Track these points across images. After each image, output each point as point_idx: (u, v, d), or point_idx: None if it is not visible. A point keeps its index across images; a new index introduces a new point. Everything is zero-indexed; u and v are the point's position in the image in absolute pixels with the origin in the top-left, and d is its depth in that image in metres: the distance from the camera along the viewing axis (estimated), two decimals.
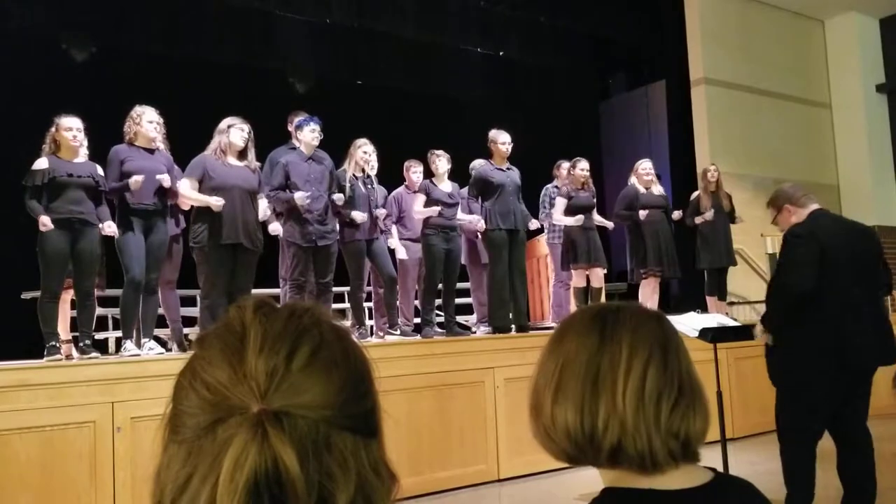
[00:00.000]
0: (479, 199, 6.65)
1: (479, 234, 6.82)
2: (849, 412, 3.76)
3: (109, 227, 5.02)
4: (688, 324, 4.23)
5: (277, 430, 0.60)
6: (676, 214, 7.60)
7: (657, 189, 7.56)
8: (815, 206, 3.84)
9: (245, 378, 0.62)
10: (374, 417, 0.68)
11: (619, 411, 0.98)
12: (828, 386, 3.65)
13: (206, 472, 0.60)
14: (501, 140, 6.65)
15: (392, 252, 6.66)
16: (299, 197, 5.60)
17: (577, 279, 7.12)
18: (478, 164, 6.95)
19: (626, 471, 1.01)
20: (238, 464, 0.58)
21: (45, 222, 4.74)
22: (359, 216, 5.97)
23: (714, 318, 4.49)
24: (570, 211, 7.05)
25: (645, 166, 7.48)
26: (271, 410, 0.61)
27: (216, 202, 5.12)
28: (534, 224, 7.07)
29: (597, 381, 1.00)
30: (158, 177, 5.10)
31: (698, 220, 7.60)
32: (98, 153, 5.18)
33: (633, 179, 7.50)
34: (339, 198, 5.90)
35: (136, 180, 4.96)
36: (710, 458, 1.09)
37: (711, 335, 4.15)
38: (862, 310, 3.65)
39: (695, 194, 7.88)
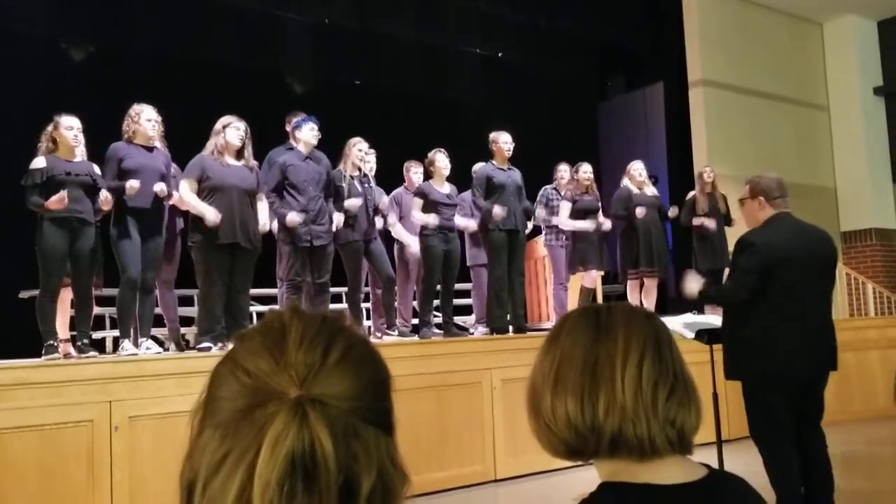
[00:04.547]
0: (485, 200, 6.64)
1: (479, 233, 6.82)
2: (804, 416, 3.83)
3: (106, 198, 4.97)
4: (684, 325, 4.25)
5: (316, 412, 0.66)
6: (673, 211, 7.61)
7: (650, 190, 7.59)
8: (781, 210, 3.88)
9: (286, 367, 0.69)
10: (391, 417, 0.75)
11: (618, 399, 1.02)
12: (778, 392, 3.73)
13: (244, 450, 0.65)
14: (503, 140, 6.66)
15: (390, 252, 6.67)
16: (290, 220, 5.60)
17: (586, 280, 7.14)
18: (478, 167, 6.97)
19: (625, 460, 1.03)
20: (279, 439, 0.64)
21: (56, 199, 4.69)
22: (353, 204, 5.96)
23: (710, 320, 4.51)
24: (574, 215, 7.10)
25: (637, 167, 7.51)
26: (309, 397, 0.67)
27: (211, 218, 5.10)
28: (540, 214, 7.10)
29: (595, 371, 1.04)
30: (155, 188, 5.09)
31: (696, 222, 7.61)
32: (96, 153, 5.18)
33: (625, 180, 7.52)
34: (337, 219, 5.90)
35: (132, 186, 4.95)
36: (706, 459, 1.11)
37: (708, 336, 4.17)
38: (809, 317, 3.72)
39: (690, 194, 7.89)
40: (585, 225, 7.04)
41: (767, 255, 3.69)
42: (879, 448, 6.70)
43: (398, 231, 6.82)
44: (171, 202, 5.41)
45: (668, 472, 1.03)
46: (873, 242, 10.66)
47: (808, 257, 3.74)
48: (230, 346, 0.76)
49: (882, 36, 11.12)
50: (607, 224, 7.27)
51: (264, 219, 5.51)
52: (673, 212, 7.60)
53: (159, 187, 5.12)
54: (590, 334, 1.07)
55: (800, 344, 3.68)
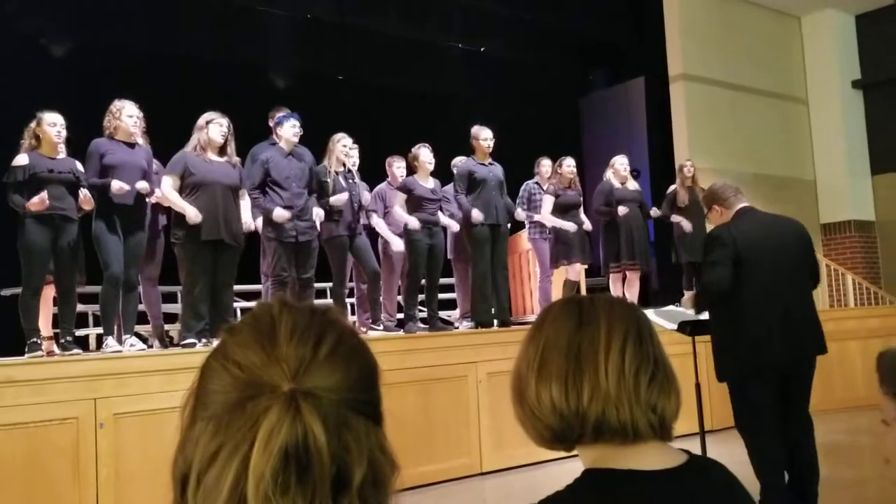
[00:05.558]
0: (466, 194, 6.65)
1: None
2: (790, 405, 3.85)
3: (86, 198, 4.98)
4: (667, 317, 4.29)
5: (308, 405, 0.67)
6: (654, 212, 7.70)
7: (632, 185, 7.67)
8: (742, 205, 3.93)
9: (277, 360, 0.70)
10: (380, 408, 0.76)
11: (602, 385, 1.04)
12: (761, 382, 3.75)
13: (238, 442, 0.66)
14: (483, 136, 6.68)
15: (374, 247, 6.66)
16: (277, 216, 5.59)
17: (569, 273, 7.19)
18: (460, 161, 6.98)
19: (609, 445, 1.06)
20: (273, 432, 0.65)
21: (38, 200, 4.68)
22: (339, 199, 5.95)
23: (692, 312, 4.55)
24: (557, 209, 7.14)
25: (622, 162, 7.58)
26: (301, 389, 0.68)
27: (192, 216, 5.09)
28: (520, 215, 7.12)
29: (579, 358, 1.07)
30: (138, 185, 5.07)
31: (674, 219, 7.69)
32: (77, 149, 5.15)
33: (609, 174, 7.58)
34: (318, 214, 5.88)
35: (120, 188, 4.93)
36: (690, 449, 1.13)
37: (690, 328, 4.22)
38: (786, 305, 3.73)
39: (671, 188, 7.96)
40: (567, 225, 7.10)
41: (735, 244, 3.72)
42: (860, 437, 6.79)
43: (382, 230, 6.80)
44: (153, 200, 5.39)
45: (649, 457, 1.05)
46: (852, 234, 10.77)
47: (778, 245, 3.78)
48: (215, 342, 0.76)
49: (860, 29, 11.22)
50: (588, 224, 7.36)
51: (248, 216, 5.49)
52: (654, 212, 7.70)
53: (142, 185, 5.10)
54: (573, 322, 1.10)
55: (778, 332, 3.69)
